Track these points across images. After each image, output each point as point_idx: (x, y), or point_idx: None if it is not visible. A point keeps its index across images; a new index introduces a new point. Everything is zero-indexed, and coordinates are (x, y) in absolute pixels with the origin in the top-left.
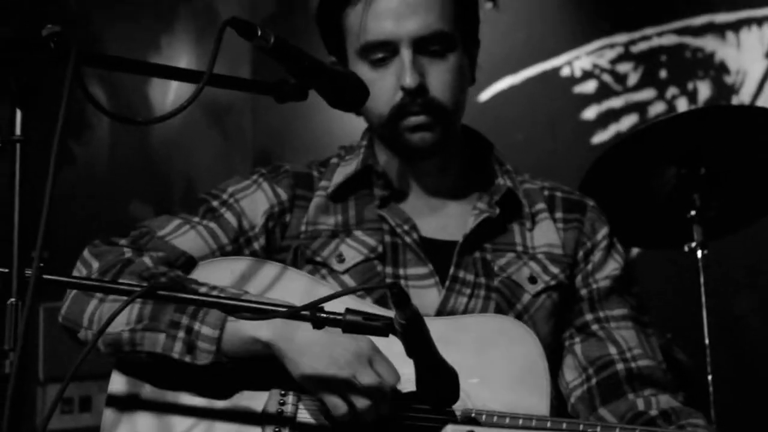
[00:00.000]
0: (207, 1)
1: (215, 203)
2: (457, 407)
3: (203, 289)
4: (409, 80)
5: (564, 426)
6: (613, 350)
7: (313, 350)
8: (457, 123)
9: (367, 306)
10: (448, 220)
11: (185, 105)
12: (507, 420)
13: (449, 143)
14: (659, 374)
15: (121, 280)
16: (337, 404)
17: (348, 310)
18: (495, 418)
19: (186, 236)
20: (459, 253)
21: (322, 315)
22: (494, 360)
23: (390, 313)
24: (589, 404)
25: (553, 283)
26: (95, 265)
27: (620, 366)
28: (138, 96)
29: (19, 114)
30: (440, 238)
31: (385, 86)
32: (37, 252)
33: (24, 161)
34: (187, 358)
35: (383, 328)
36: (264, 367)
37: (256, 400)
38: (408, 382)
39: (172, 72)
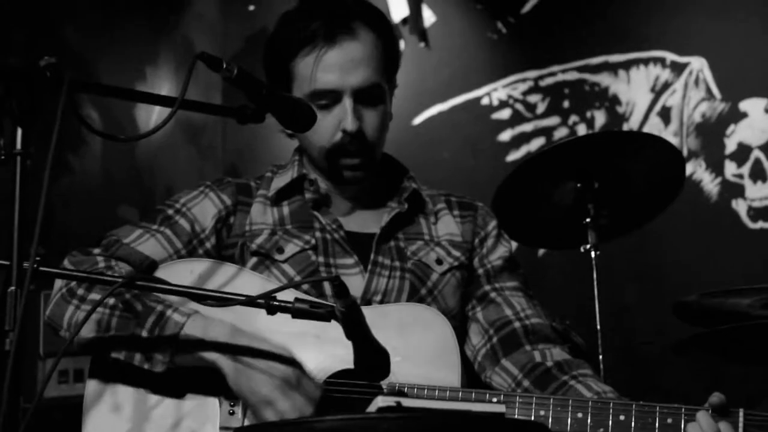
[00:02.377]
0: (185, 38)
1: (170, 212)
2: (385, 382)
3: (159, 307)
4: (351, 125)
5: (473, 396)
6: (509, 312)
7: (247, 373)
8: (380, 155)
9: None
10: (367, 219)
11: (160, 125)
12: (425, 392)
13: (374, 171)
14: (548, 331)
15: (94, 291)
16: (267, 416)
17: (297, 299)
18: (416, 390)
19: (147, 243)
20: (377, 242)
21: (275, 303)
22: (413, 341)
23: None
24: (492, 359)
25: (456, 263)
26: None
27: (517, 324)
28: (126, 117)
29: (19, 131)
30: (361, 231)
31: (328, 127)
32: (33, 247)
33: (24, 171)
34: (146, 366)
35: (326, 314)
36: (210, 376)
37: (208, 405)
38: (344, 362)
39: (151, 97)
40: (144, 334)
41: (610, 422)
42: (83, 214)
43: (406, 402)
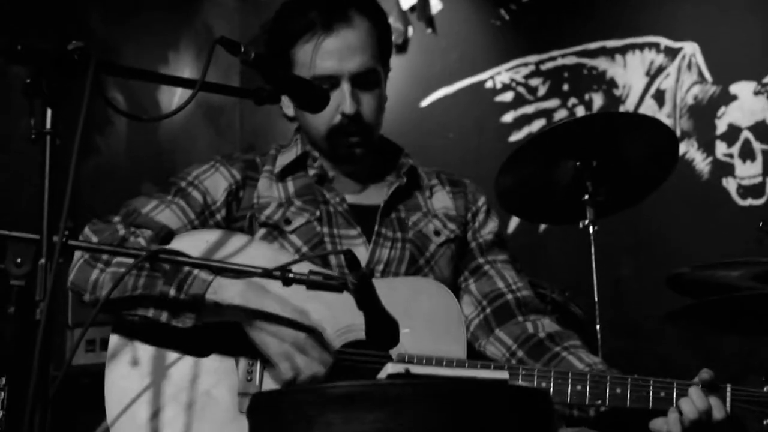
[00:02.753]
0: (206, 25)
1: (183, 184)
2: (395, 352)
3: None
4: (349, 108)
5: (479, 366)
6: (501, 284)
7: (270, 328)
8: (377, 136)
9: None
10: (369, 193)
11: (182, 106)
12: (434, 362)
13: (371, 151)
14: (537, 302)
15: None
16: (283, 370)
17: (311, 272)
18: (424, 360)
19: (164, 213)
20: (381, 215)
21: (291, 275)
22: (421, 314)
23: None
24: (486, 329)
25: (452, 236)
26: (94, 239)
27: (510, 296)
28: (149, 99)
29: (49, 112)
30: (364, 203)
31: (327, 110)
32: (63, 222)
33: (53, 150)
34: (173, 322)
35: (339, 286)
36: (232, 333)
37: (227, 367)
38: (355, 331)
39: (172, 80)
40: (172, 291)
41: (607, 395)
42: (108, 191)
43: (415, 369)
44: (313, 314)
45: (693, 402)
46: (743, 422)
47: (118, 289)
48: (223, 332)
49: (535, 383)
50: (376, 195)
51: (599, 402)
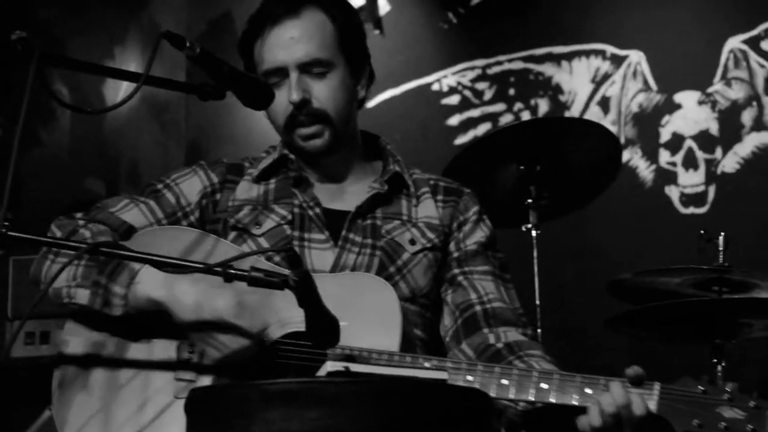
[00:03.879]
0: (153, 21)
1: (159, 186)
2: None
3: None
4: (294, 95)
5: (420, 361)
6: (473, 296)
7: (190, 308)
8: (346, 127)
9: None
10: (348, 197)
11: (127, 99)
12: (374, 355)
13: (344, 143)
14: (509, 314)
15: (67, 241)
16: (207, 351)
17: (252, 268)
18: (365, 355)
19: (131, 212)
20: (350, 220)
21: (231, 271)
22: (358, 308)
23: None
24: (456, 341)
25: (429, 245)
26: (58, 234)
27: (478, 308)
28: (94, 93)
29: None
30: (339, 209)
31: (280, 103)
32: (2, 213)
33: None
34: (105, 310)
35: (280, 283)
36: (161, 321)
37: (168, 348)
38: (294, 323)
39: (117, 72)
40: (103, 280)
41: (533, 389)
42: (52, 185)
43: (354, 367)
44: (250, 305)
45: (612, 396)
46: (670, 421)
47: (63, 278)
48: (157, 318)
49: (462, 376)
50: (352, 199)
51: (524, 397)
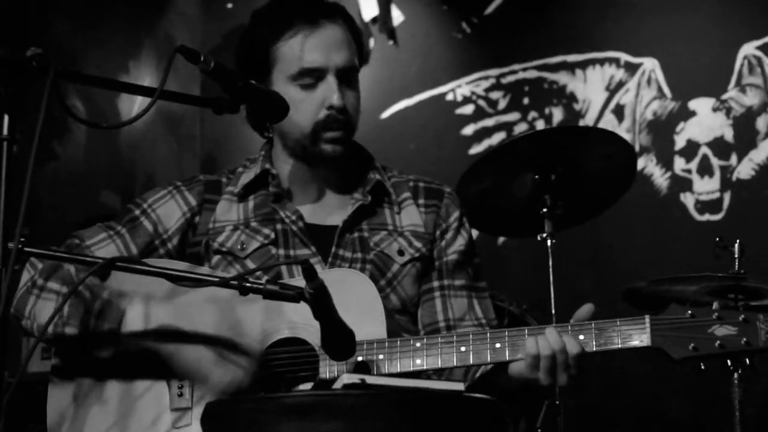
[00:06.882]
0: (167, 34)
1: (137, 212)
2: (316, 344)
3: (105, 294)
4: (337, 100)
5: (398, 343)
6: (441, 317)
7: (181, 353)
8: (353, 136)
9: None
10: (331, 210)
11: (141, 113)
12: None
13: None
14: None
15: (51, 280)
16: (204, 392)
17: (268, 281)
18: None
19: (107, 248)
20: (339, 235)
21: (248, 284)
22: (343, 303)
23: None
24: None
25: (417, 255)
26: (39, 266)
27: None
28: (109, 107)
29: (6, 118)
30: (324, 223)
31: (313, 105)
32: (18, 228)
33: (10, 157)
34: (94, 350)
35: (296, 296)
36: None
37: (159, 388)
38: (276, 332)
39: (132, 87)
40: (92, 321)
41: (488, 350)
42: (67, 199)
43: (371, 379)
44: (241, 313)
45: (548, 340)
46: (666, 350)
47: (44, 315)
48: (148, 358)
49: (414, 352)
50: (337, 213)
51: (484, 360)
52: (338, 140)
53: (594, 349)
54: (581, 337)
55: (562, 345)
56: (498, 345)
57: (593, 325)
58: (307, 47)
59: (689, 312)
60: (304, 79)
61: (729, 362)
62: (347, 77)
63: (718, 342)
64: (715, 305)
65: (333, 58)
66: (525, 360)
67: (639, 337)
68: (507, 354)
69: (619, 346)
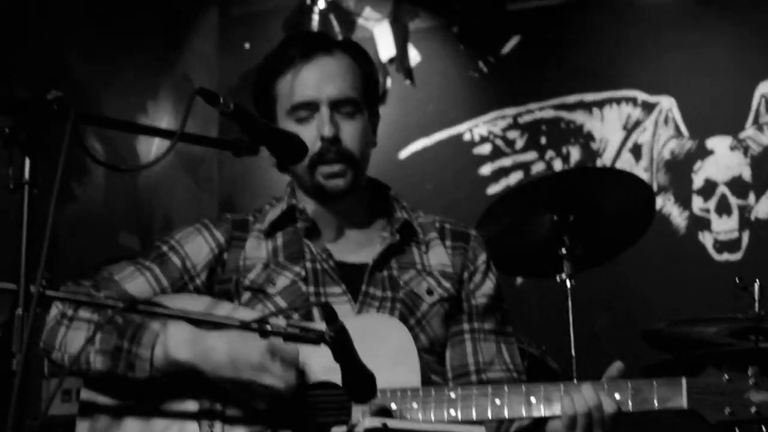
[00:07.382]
0: (185, 74)
1: (165, 248)
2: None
3: (138, 319)
4: (327, 131)
5: (446, 392)
6: (471, 361)
7: (222, 364)
8: (363, 172)
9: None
10: (358, 247)
11: (161, 157)
12: (388, 394)
13: (359, 187)
14: (506, 380)
15: (81, 309)
16: (255, 398)
17: (289, 324)
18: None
19: (135, 282)
20: (369, 274)
21: (268, 328)
22: (375, 347)
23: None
24: None
25: (445, 295)
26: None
27: (474, 377)
28: (127, 148)
29: (27, 161)
30: (352, 261)
31: (308, 138)
32: (40, 272)
33: (31, 200)
34: (129, 374)
35: (316, 338)
36: (189, 380)
37: (189, 426)
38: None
39: (151, 130)
40: (125, 344)
41: (523, 404)
42: (86, 241)
43: (392, 423)
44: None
45: (584, 397)
46: (701, 413)
47: (75, 346)
48: (181, 381)
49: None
50: (362, 250)
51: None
52: (337, 174)
53: (630, 409)
54: (617, 396)
55: (598, 402)
56: (533, 399)
57: (629, 384)
58: (297, 81)
59: (726, 376)
60: (299, 113)
61: (764, 428)
62: (343, 108)
63: (754, 408)
64: (750, 371)
65: (324, 89)
66: (562, 419)
67: (675, 400)
68: (542, 409)
69: (656, 407)
